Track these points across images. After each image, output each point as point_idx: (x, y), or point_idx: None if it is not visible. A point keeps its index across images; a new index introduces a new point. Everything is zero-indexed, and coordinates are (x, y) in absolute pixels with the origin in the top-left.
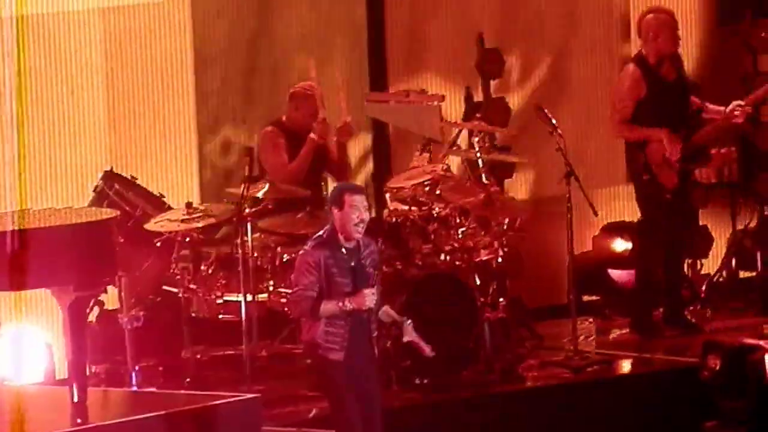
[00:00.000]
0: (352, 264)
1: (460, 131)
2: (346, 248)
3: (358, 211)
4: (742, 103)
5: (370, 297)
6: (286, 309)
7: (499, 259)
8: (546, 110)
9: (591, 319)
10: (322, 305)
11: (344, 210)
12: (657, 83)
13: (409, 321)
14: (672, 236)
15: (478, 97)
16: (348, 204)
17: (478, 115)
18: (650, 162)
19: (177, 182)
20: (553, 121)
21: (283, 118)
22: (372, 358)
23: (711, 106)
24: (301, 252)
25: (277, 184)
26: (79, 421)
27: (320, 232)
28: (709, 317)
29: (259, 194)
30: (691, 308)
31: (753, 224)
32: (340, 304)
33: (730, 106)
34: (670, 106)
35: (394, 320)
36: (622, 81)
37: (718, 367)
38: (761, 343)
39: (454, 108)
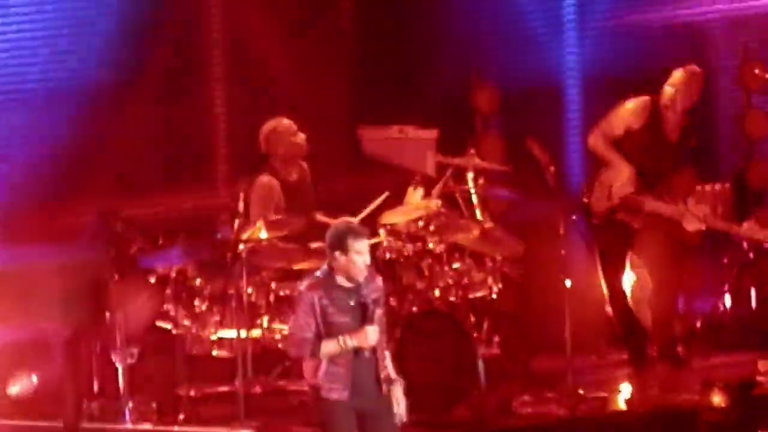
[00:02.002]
0: (352, 303)
1: (455, 167)
2: (344, 287)
3: (363, 256)
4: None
5: (372, 334)
6: (280, 346)
7: (494, 296)
8: (538, 145)
9: (590, 355)
10: (323, 345)
11: (349, 256)
12: (656, 131)
13: (401, 383)
14: (661, 272)
15: (473, 132)
16: (354, 251)
17: (472, 150)
18: (599, 181)
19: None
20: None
21: (273, 163)
22: (380, 398)
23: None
24: (297, 292)
25: (271, 221)
26: None
27: (317, 272)
28: (704, 353)
29: (254, 233)
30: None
31: (747, 261)
32: (341, 342)
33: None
34: (653, 158)
35: (387, 374)
36: (629, 103)
37: (725, 406)
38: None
39: (448, 143)
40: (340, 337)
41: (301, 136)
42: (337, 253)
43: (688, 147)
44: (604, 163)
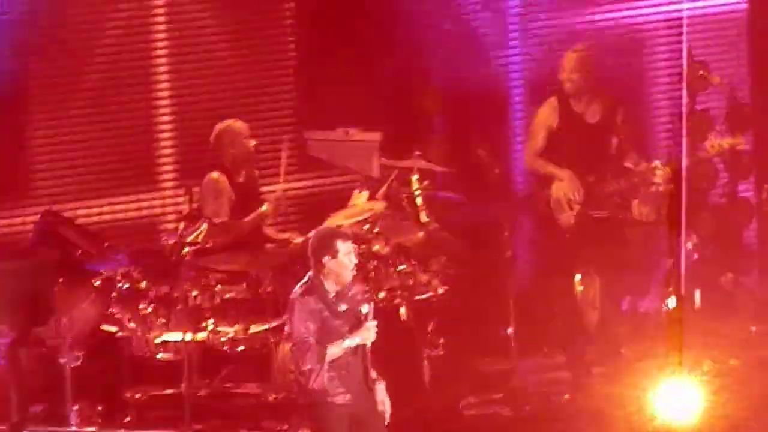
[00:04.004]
0: (343, 307)
1: (400, 169)
2: (333, 291)
3: (351, 256)
4: (660, 166)
5: (373, 329)
6: (226, 348)
7: (440, 293)
8: (483, 148)
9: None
10: (328, 349)
11: (338, 259)
12: (573, 120)
13: (383, 382)
14: (607, 273)
15: (418, 134)
16: (342, 252)
17: (417, 152)
18: (551, 198)
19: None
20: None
21: (224, 161)
22: (371, 399)
23: (633, 157)
24: (291, 299)
25: (216, 224)
26: None
27: (304, 279)
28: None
29: (198, 236)
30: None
31: (692, 262)
32: (345, 342)
33: (652, 165)
34: (582, 146)
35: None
36: (539, 111)
37: None
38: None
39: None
40: (343, 340)
41: (252, 142)
42: (326, 258)
43: (614, 122)
44: (547, 177)
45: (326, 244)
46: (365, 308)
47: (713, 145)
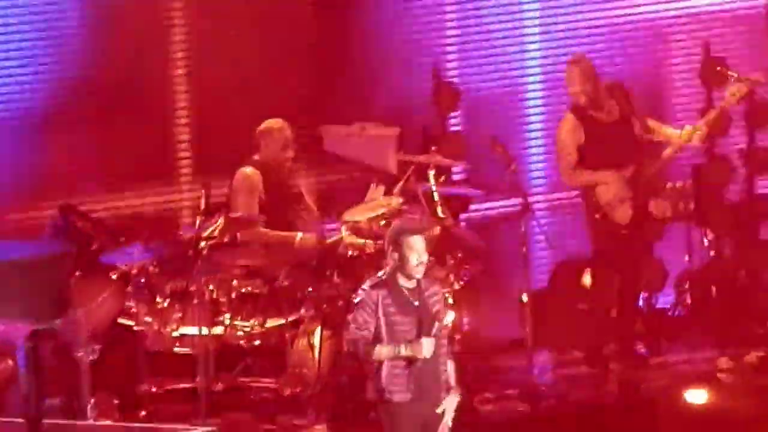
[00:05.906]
0: (415, 304)
1: (416, 164)
2: (407, 287)
3: (417, 252)
4: (697, 126)
5: (427, 347)
6: (242, 343)
7: (455, 288)
8: (502, 144)
9: (547, 352)
10: (377, 348)
11: (402, 252)
12: (597, 128)
13: (458, 393)
14: (626, 270)
15: (434, 130)
16: (406, 246)
17: (433, 148)
18: (601, 201)
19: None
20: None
21: (256, 157)
22: (438, 405)
23: (665, 130)
24: (359, 291)
25: (232, 219)
26: None
27: (380, 272)
28: (665, 351)
29: (215, 230)
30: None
31: (708, 258)
32: (396, 349)
33: (686, 129)
34: (613, 146)
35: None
36: (561, 129)
37: None
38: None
39: (409, 140)
40: (395, 346)
41: (290, 152)
42: (391, 251)
43: (630, 107)
44: (592, 185)
45: (393, 238)
46: (449, 317)
47: (733, 93)
